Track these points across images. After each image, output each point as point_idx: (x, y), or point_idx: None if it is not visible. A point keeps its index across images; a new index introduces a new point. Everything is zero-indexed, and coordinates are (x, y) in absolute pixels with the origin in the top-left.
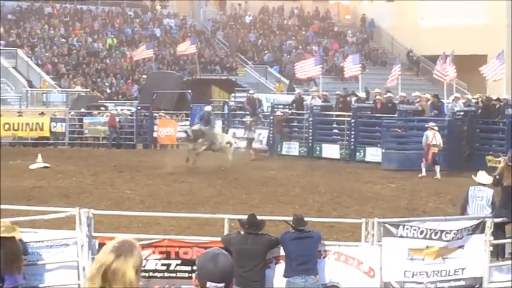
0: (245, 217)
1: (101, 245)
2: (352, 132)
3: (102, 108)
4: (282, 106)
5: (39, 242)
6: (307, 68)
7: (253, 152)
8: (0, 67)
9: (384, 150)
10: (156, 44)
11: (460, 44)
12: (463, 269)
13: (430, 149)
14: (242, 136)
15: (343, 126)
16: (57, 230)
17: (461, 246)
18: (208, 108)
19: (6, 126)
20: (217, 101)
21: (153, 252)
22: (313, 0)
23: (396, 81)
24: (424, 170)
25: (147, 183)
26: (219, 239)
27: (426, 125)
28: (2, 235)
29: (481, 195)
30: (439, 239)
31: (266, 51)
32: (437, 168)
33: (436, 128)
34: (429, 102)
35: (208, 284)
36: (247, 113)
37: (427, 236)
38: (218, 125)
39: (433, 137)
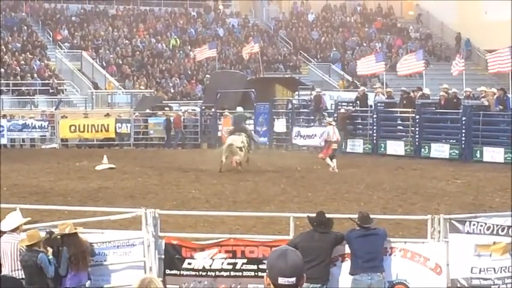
0: (312, 214)
1: (167, 245)
2: (417, 129)
3: (166, 108)
4: (345, 103)
5: (105, 242)
6: (370, 64)
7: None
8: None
9: None
10: (219, 43)
11: None
12: None
13: (331, 145)
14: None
15: (407, 123)
16: (124, 231)
17: None
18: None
19: (72, 128)
20: (280, 100)
21: (219, 252)
22: None
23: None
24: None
25: (212, 182)
26: (285, 237)
27: (325, 121)
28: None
29: None
30: (506, 235)
31: (333, 49)
32: (335, 162)
33: (333, 123)
34: (495, 97)
35: (280, 279)
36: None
37: (494, 232)
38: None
39: (333, 133)
